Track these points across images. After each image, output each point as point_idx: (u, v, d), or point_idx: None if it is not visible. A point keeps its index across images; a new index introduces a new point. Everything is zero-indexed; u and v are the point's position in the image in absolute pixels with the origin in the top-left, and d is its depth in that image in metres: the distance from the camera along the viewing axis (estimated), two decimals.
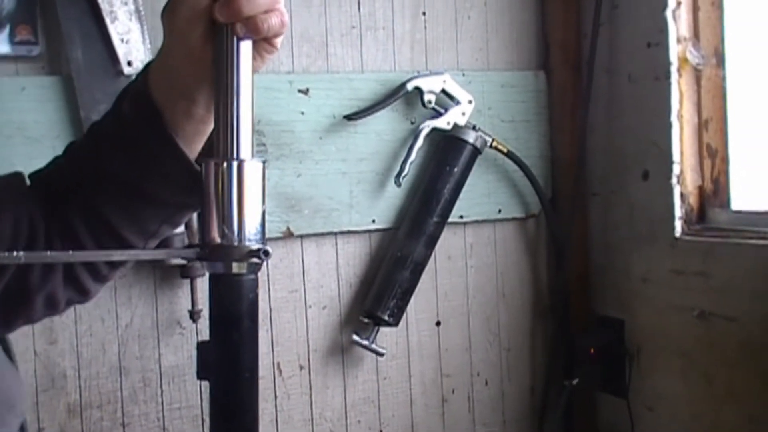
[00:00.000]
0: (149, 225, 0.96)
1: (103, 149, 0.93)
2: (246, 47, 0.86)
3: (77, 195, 0.94)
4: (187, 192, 0.92)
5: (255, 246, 0.86)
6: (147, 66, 0.93)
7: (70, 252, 0.88)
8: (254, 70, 0.87)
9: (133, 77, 0.95)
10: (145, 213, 0.95)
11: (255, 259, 0.85)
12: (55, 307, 0.98)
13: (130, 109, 0.92)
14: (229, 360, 0.86)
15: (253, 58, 0.86)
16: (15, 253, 0.78)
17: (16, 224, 0.91)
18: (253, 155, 0.89)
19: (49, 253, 0.91)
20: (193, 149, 0.93)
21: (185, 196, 0.94)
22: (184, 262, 1.80)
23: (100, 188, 0.93)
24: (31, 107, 1.71)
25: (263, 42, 0.86)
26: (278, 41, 0.88)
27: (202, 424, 1.90)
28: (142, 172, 0.92)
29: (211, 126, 0.92)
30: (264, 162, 0.89)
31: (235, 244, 0.86)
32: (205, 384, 0.86)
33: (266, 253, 0.86)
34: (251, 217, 0.87)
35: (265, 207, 0.90)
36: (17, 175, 0.97)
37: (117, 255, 0.95)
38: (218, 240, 0.86)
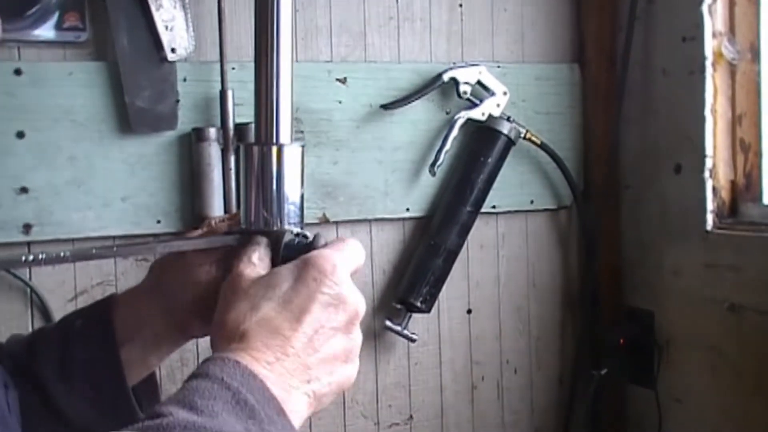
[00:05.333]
0: None
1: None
2: (286, 34, 0.89)
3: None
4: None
5: (294, 230, 0.89)
6: (107, 301, 0.99)
7: (114, 248, 0.91)
8: None
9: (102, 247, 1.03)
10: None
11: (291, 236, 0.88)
12: None
13: (84, 352, 0.96)
14: None
15: None
16: (62, 253, 0.83)
17: None
18: (292, 140, 0.92)
19: (93, 250, 0.95)
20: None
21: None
22: None
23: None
24: (78, 92, 1.77)
25: None
26: None
27: None
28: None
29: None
30: (303, 146, 0.92)
31: (275, 228, 0.89)
32: None
33: (305, 237, 0.89)
34: (290, 200, 0.90)
35: (303, 191, 0.94)
36: None
37: (160, 248, 0.98)
38: (260, 225, 0.89)
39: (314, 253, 0.81)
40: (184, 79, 1.84)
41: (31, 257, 0.79)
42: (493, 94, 2.05)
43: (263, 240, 0.85)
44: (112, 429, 0.66)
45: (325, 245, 0.84)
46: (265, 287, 0.78)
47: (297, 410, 0.73)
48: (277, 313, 0.76)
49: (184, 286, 0.96)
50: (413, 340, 2.06)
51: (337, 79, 1.99)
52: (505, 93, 2.06)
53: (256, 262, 0.83)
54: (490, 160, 2.05)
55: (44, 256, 0.79)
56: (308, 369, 0.75)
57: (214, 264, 0.96)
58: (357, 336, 0.82)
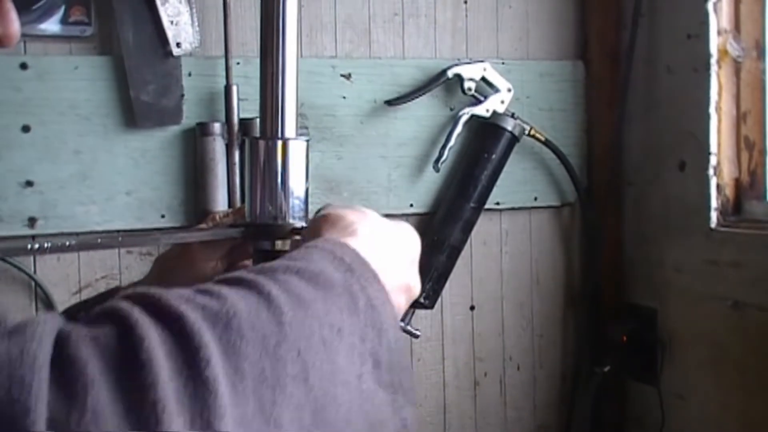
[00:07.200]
0: None
1: None
2: (291, 30, 0.90)
3: None
4: None
5: (298, 224, 0.90)
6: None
7: (119, 238, 0.92)
8: None
9: None
10: None
11: (297, 237, 0.89)
12: None
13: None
14: None
15: None
16: (67, 242, 0.83)
17: None
18: (297, 134, 0.92)
19: (98, 240, 0.96)
20: None
21: None
22: None
23: None
24: (83, 86, 1.77)
25: None
26: None
27: None
28: None
29: None
30: (308, 140, 0.93)
31: (279, 222, 0.90)
32: None
33: None
34: (295, 194, 0.91)
35: (308, 185, 0.94)
36: None
37: (165, 239, 0.99)
38: (265, 219, 0.90)
39: (416, 236, 0.81)
40: (189, 74, 1.84)
41: (36, 245, 0.80)
42: (497, 90, 2.05)
43: None
44: None
45: None
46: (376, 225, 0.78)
47: None
48: (381, 244, 0.76)
49: (189, 282, 0.96)
50: (416, 336, 2.06)
51: (342, 75, 1.99)
52: (509, 90, 2.06)
53: None
54: (494, 156, 2.05)
55: (49, 244, 0.80)
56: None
57: (220, 260, 0.96)
58: None
